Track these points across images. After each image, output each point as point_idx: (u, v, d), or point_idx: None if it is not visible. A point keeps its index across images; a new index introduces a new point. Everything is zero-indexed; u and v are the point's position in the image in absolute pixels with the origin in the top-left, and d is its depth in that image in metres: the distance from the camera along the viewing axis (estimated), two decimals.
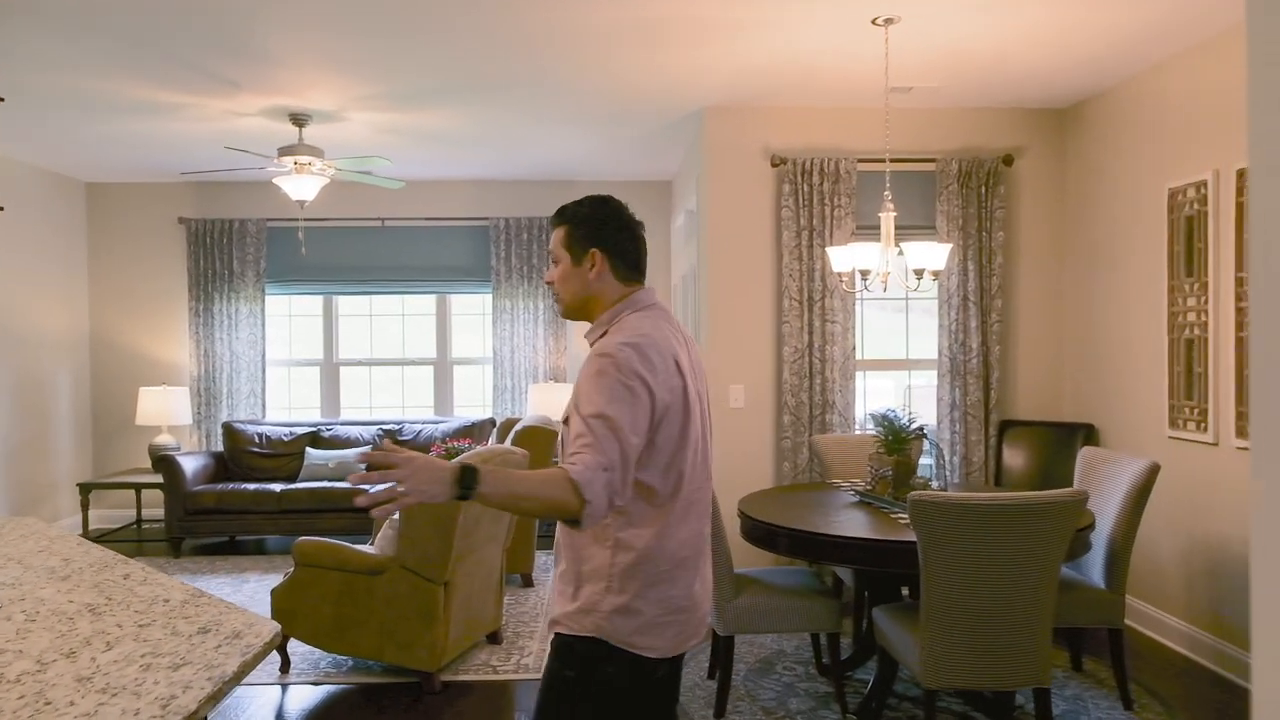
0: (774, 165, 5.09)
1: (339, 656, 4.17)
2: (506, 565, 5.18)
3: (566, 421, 1.82)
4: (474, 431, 6.95)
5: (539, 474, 1.71)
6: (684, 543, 1.88)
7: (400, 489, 1.60)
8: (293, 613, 3.96)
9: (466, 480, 1.61)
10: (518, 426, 5.45)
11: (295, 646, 4.17)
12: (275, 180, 5.24)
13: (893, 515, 3.53)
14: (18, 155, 6.37)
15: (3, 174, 6.33)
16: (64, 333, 6.99)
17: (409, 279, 7.37)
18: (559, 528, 1.91)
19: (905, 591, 3.92)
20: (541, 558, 6.11)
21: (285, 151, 5.12)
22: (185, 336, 7.29)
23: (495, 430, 6.58)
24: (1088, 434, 4.86)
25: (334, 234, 7.32)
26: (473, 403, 7.62)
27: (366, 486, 1.60)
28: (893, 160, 4.41)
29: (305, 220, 7.15)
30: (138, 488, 6.78)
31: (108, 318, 7.33)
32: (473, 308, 7.61)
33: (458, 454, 5.37)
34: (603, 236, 1.99)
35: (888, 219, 3.93)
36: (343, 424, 7.04)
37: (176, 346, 7.32)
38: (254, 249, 7.19)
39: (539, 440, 5.33)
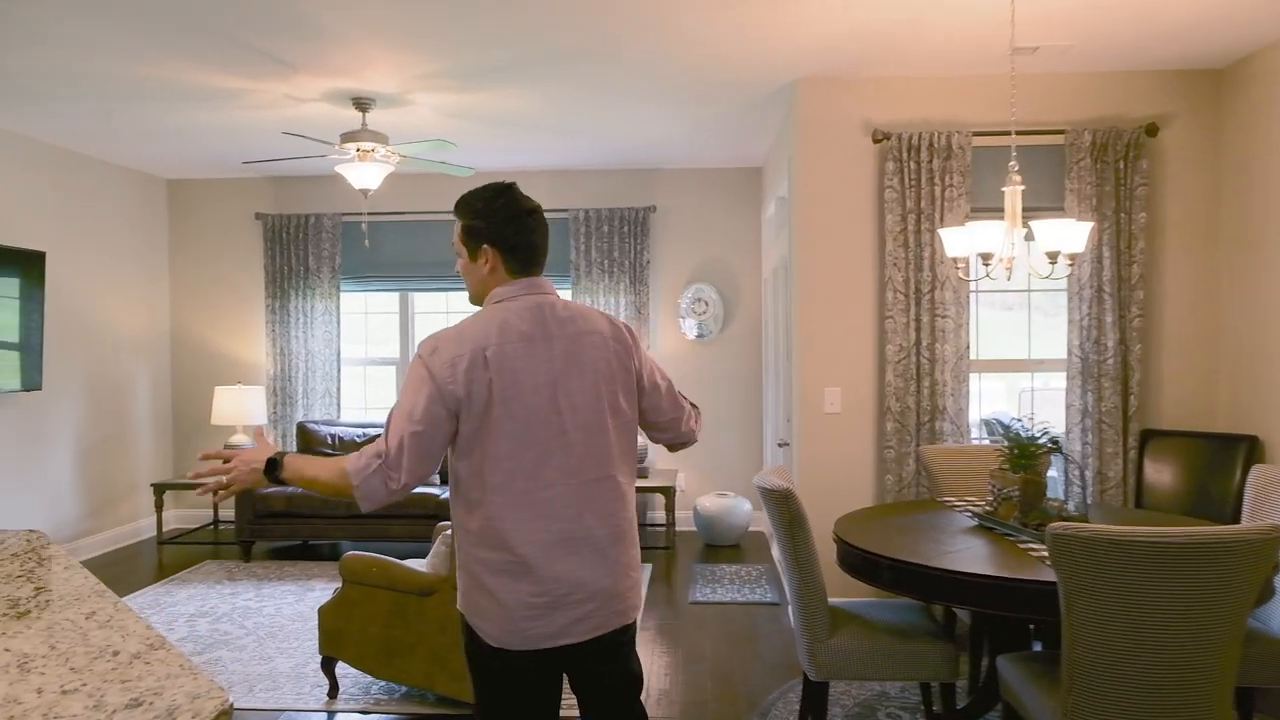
0: (876, 141, 4.53)
1: (391, 683, 3.83)
2: None
3: None
4: None
5: (330, 461, 1.90)
6: (526, 541, 1.90)
7: (225, 479, 1.95)
8: (340, 633, 3.64)
9: (271, 468, 1.92)
10: None
11: (344, 669, 3.86)
12: (337, 169, 4.96)
13: (1021, 545, 2.96)
14: (102, 154, 6.32)
15: (89, 173, 6.30)
16: (144, 331, 6.93)
17: None
18: None
19: (1031, 628, 3.34)
20: None
21: (348, 138, 4.83)
22: (262, 335, 7.16)
23: None
24: (1251, 448, 4.14)
25: (408, 228, 7.07)
26: None
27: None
28: (1016, 133, 3.83)
29: (381, 214, 6.93)
30: None
31: (187, 316, 7.25)
32: None
33: None
34: (494, 233, 2.00)
35: (1014, 193, 3.34)
36: None
37: (254, 345, 7.20)
38: (329, 244, 7.00)
39: None
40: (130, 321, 6.77)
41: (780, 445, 5.25)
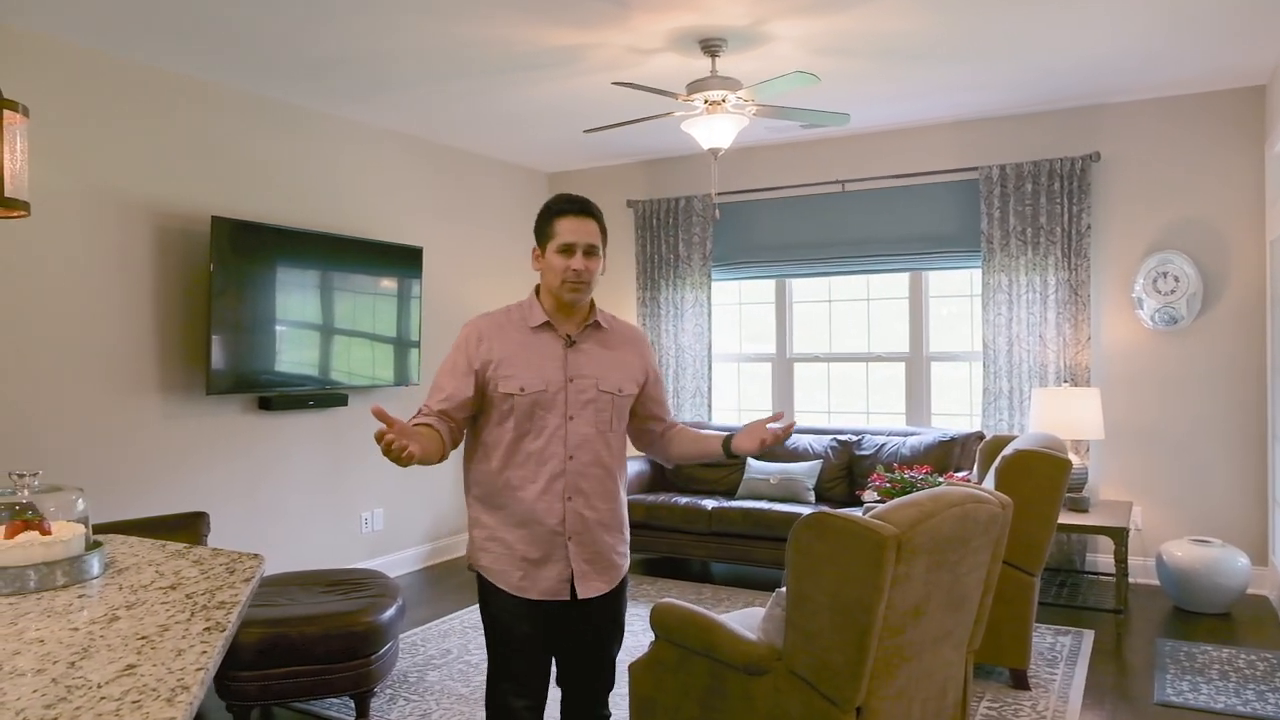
0: None
1: None
2: (990, 654, 3.61)
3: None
4: (954, 449, 5.28)
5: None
6: None
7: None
8: (652, 702, 2.82)
9: None
10: (1008, 450, 3.72)
11: None
12: (684, 126, 4.22)
13: None
14: (489, 152, 6.35)
15: (471, 169, 6.36)
16: None
17: (874, 254, 5.93)
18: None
19: None
20: (1048, 637, 4.27)
21: (695, 87, 4.06)
22: None
23: (980, 450, 4.83)
24: None
25: (784, 205, 6.18)
26: (956, 410, 5.91)
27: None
28: None
29: (751, 192, 6.16)
30: None
31: None
32: (957, 287, 5.91)
33: (909, 488, 3.82)
34: None
35: None
36: (794, 431, 5.85)
37: None
38: (700, 229, 6.37)
39: (1037, 472, 3.55)
40: None
41: None
